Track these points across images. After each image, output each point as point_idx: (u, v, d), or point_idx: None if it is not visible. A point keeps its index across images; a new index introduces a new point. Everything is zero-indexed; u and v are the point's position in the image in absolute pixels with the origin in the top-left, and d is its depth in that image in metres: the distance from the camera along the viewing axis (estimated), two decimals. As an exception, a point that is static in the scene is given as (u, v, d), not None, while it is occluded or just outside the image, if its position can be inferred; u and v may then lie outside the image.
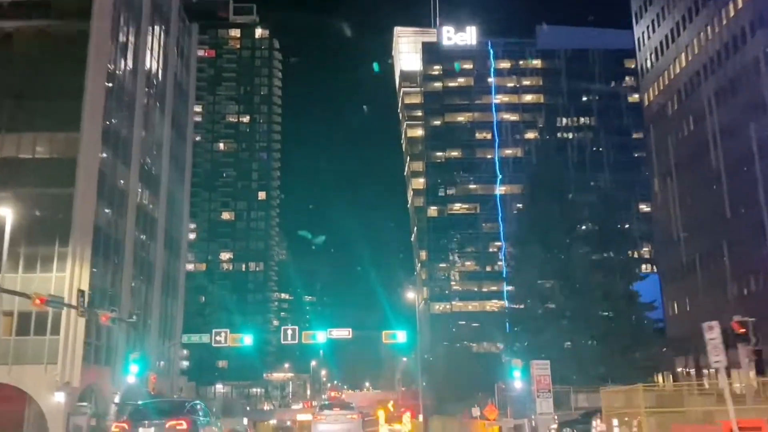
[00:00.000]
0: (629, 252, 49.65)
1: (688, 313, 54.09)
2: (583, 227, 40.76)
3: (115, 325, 34.02)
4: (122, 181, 41.67)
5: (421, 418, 46.68)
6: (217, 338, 33.46)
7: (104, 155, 39.42)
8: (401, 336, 33.33)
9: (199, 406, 17.94)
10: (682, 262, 56.31)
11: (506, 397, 34.49)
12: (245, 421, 51.29)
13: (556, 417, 33.44)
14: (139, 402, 22.45)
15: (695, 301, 53.44)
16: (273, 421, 74.34)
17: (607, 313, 37.71)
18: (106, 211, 39.62)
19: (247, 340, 33.40)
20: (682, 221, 56.68)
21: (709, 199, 51.07)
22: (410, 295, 59.90)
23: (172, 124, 52.60)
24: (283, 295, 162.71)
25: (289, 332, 33.74)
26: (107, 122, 40.09)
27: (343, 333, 33.50)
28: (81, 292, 27.04)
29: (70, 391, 34.83)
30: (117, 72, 42.24)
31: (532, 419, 33.13)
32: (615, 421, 20.27)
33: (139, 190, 44.85)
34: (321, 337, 33.24)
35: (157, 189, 49.00)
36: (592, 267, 37.94)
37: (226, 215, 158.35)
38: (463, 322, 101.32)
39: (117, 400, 37.86)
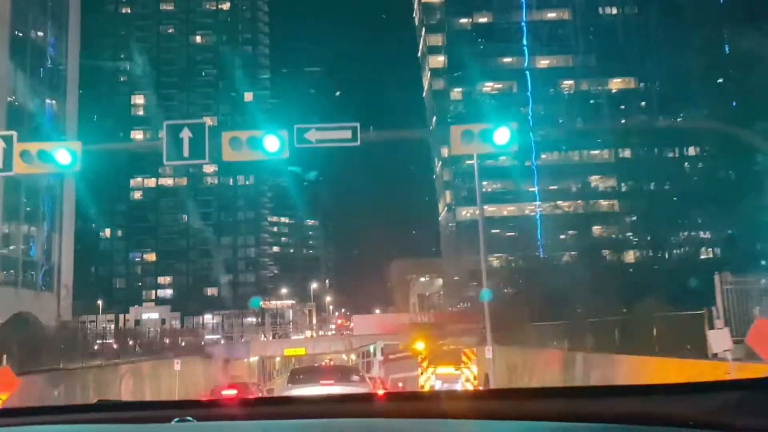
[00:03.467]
0: None
1: None
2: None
3: None
4: None
5: (488, 352, 25.68)
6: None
7: None
8: (501, 136, 11.47)
9: None
10: None
11: None
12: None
13: None
14: None
15: None
16: (254, 358, 54.37)
17: None
18: None
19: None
20: None
21: None
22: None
23: None
24: (282, 219, 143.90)
25: (185, 139, 11.65)
26: None
27: (339, 134, 11.44)
28: None
29: None
30: None
31: None
32: None
33: None
34: (272, 145, 10.84)
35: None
36: None
37: (207, 121, 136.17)
38: (497, 231, 79.76)
39: None
